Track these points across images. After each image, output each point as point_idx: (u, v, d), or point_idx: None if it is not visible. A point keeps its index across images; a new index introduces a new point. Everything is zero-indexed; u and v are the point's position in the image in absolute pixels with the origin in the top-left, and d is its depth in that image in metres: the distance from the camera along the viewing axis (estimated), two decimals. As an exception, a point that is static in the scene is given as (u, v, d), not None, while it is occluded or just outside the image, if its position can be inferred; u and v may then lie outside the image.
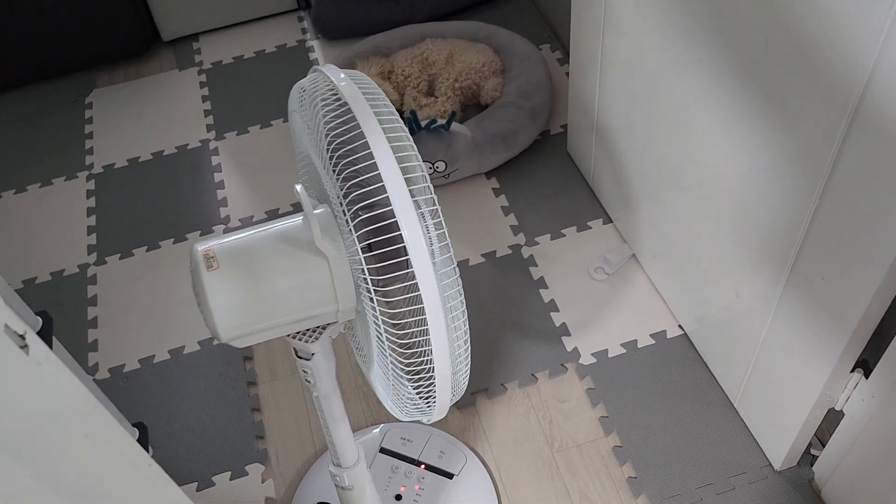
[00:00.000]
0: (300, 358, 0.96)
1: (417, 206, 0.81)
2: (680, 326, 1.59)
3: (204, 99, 2.25)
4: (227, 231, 1.91)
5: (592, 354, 1.57)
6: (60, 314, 1.77)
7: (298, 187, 0.87)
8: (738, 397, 1.44)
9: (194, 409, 1.59)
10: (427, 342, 0.82)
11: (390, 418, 1.53)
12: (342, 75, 0.85)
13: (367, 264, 0.82)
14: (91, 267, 1.87)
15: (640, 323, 1.61)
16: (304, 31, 2.41)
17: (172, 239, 1.90)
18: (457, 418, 1.52)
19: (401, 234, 0.79)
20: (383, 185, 0.79)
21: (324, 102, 0.84)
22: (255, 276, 0.85)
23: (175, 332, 1.71)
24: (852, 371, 1.15)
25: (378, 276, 0.83)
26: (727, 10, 1.10)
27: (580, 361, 1.57)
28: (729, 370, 1.45)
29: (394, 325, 0.86)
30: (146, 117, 2.22)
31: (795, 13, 0.96)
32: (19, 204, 2.04)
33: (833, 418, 1.26)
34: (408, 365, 0.87)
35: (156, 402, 1.60)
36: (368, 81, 0.85)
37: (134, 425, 1.48)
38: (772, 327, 1.25)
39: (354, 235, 0.82)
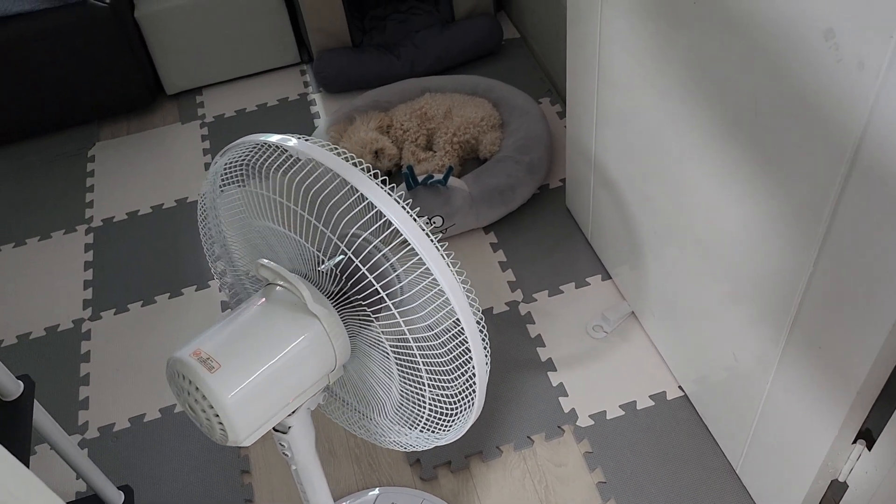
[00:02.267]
0: (276, 431, 0.93)
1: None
2: (680, 387, 1.55)
3: (205, 152, 2.25)
4: (223, 286, 1.89)
5: (590, 416, 1.53)
6: (52, 371, 1.76)
7: (269, 262, 0.87)
8: (740, 464, 1.39)
9: (183, 470, 1.55)
10: (466, 350, 0.86)
11: (382, 482, 1.49)
12: (303, 141, 0.85)
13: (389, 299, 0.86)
14: (86, 322, 1.85)
15: (639, 383, 1.57)
16: (305, 84, 2.43)
17: (168, 294, 1.89)
18: (450, 482, 1.48)
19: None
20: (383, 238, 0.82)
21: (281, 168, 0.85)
22: (261, 360, 0.84)
23: (166, 389, 1.69)
24: (854, 442, 1.11)
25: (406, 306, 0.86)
26: (716, 64, 1.09)
27: (578, 423, 1.52)
28: (730, 435, 1.40)
29: (433, 351, 0.88)
30: (147, 170, 2.23)
31: (783, 69, 0.95)
32: (18, 257, 2.03)
33: (838, 489, 1.21)
34: (447, 374, 0.90)
35: (144, 463, 1.57)
36: (326, 143, 0.87)
37: (120, 488, 1.45)
38: (771, 393, 1.21)
39: (374, 281, 0.85)
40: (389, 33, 2.39)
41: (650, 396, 1.55)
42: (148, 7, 2.28)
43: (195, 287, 1.90)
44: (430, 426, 0.95)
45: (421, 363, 0.88)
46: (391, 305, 0.85)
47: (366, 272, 0.85)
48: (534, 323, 1.70)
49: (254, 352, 0.84)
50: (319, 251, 0.88)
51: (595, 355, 1.63)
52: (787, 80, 0.94)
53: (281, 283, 0.87)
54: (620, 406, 1.54)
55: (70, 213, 2.13)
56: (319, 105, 2.35)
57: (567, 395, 1.57)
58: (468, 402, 0.90)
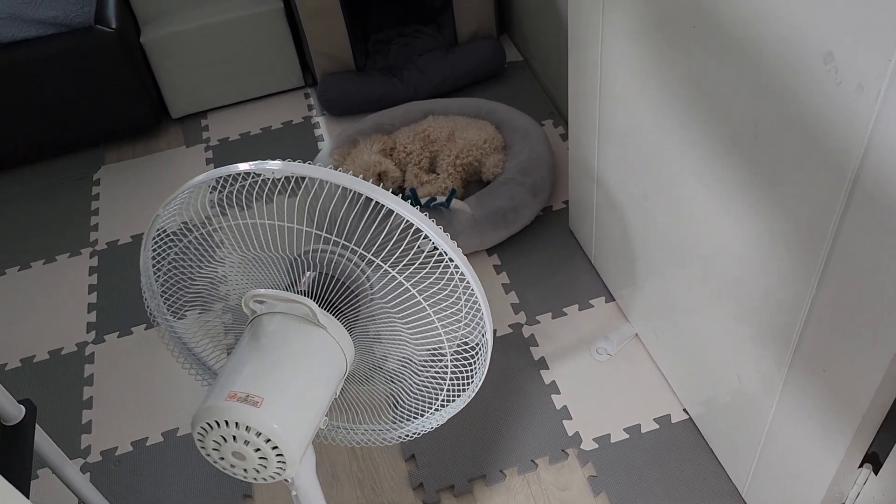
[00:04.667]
0: (277, 456, 0.93)
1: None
2: (685, 410, 1.54)
3: (209, 175, 2.26)
4: (226, 309, 1.89)
5: (594, 440, 1.52)
6: (56, 394, 1.75)
7: (267, 290, 0.89)
8: (746, 487, 1.38)
9: (185, 494, 1.54)
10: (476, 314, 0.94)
11: (385, 506, 1.48)
12: (321, 167, 0.87)
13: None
14: (89, 345, 1.85)
15: (643, 406, 1.56)
16: (309, 107, 2.45)
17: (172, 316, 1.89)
18: (453, 507, 1.47)
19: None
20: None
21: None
22: (294, 382, 0.87)
23: (169, 413, 1.68)
24: (861, 466, 1.10)
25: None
26: (716, 86, 1.10)
27: (581, 447, 1.51)
28: (736, 459, 1.39)
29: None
30: (152, 193, 2.24)
31: (783, 91, 0.95)
32: (23, 280, 2.04)
33: (845, 513, 1.20)
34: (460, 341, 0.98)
35: (146, 488, 1.56)
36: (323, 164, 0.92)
37: (121, 513, 1.44)
38: (776, 416, 1.20)
39: (405, 281, 0.92)
40: (393, 57, 2.41)
41: (654, 419, 1.53)
42: (153, 32, 2.30)
43: (198, 310, 1.89)
44: (453, 385, 1.02)
45: (441, 332, 0.95)
46: (410, 287, 0.93)
47: (397, 281, 0.90)
48: (537, 345, 1.70)
49: (284, 377, 0.87)
50: (311, 266, 0.95)
51: (599, 378, 1.62)
52: (788, 102, 0.94)
53: (279, 308, 0.89)
54: (625, 429, 1.53)
55: (75, 236, 2.14)
56: (323, 128, 2.36)
57: (571, 418, 1.56)
58: (482, 336, 0.96)
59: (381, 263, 0.92)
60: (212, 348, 1.14)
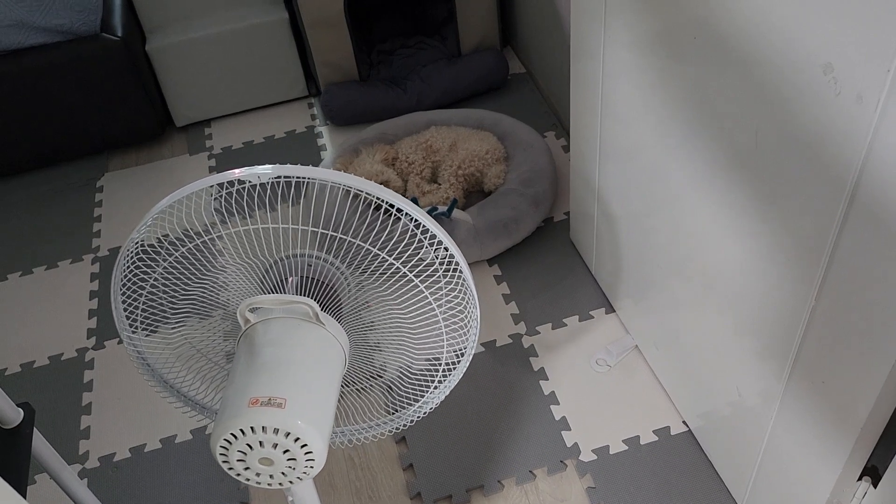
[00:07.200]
0: (274, 461, 0.93)
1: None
2: (684, 422, 1.53)
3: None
4: (225, 316, 1.89)
5: (593, 451, 1.52)
6: (55, 400, 1.75)
7: (267, 296, 0.90)
8: (745, 501, 1.37)
9: (183, 501, 1.54)
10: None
11: (382, 516, 1.48)
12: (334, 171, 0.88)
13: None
14: (89, 351, 1.85)
15: (642, 418, 1.56)
16: (313, 117, 2.46)
17: (171, 323, 1.89)
18: (451, 517, 1.46)
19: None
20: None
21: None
22: (310, 379, 0.89)
23: (168, 420, 1.68)
24: (860, 479, 1.09)
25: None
26: (716, 98, 1.10)
27: (580, 458, 1.51)
28: (735, 472, 1.39)
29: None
30: (154, 201, 2.24)
31: (783, 103, 0.95)
32: (25, 286, 2.04)
33: (844, 527, 1.19)
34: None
35: (144, 494, 1.56)
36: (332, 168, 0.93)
37: (118, 519, 1.44)
38: (775, 428, 1.20)
39: (413, 279, 0.95)
40: (396, 67, 2.42)
41: (654, 431, 1.53)
42: (159, 41, 2.32)
43: (198, 317, 1.90)
44: (449, 363, 1.04)
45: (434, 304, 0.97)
46: (417, 281, 0.96)
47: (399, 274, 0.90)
48: (537, 356, 1.70)
49: (300, 376, 0.88)
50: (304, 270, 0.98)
51: (598, 389, 1.62)
52: (787, 114, 0.95)
53: (275, 314, 0.90)
54: (624, 441, 1.52)
55: (77, 242, 2.15)
56: (326, 138, 2.37)
57: (570, 429, 1.56)
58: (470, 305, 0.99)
59: (400, 266, 0.93)
60: (178, 367, 1.16)
